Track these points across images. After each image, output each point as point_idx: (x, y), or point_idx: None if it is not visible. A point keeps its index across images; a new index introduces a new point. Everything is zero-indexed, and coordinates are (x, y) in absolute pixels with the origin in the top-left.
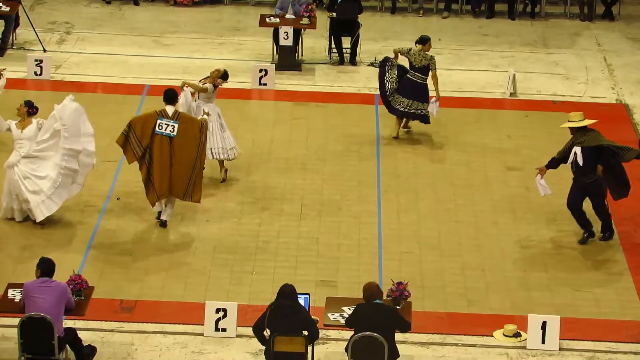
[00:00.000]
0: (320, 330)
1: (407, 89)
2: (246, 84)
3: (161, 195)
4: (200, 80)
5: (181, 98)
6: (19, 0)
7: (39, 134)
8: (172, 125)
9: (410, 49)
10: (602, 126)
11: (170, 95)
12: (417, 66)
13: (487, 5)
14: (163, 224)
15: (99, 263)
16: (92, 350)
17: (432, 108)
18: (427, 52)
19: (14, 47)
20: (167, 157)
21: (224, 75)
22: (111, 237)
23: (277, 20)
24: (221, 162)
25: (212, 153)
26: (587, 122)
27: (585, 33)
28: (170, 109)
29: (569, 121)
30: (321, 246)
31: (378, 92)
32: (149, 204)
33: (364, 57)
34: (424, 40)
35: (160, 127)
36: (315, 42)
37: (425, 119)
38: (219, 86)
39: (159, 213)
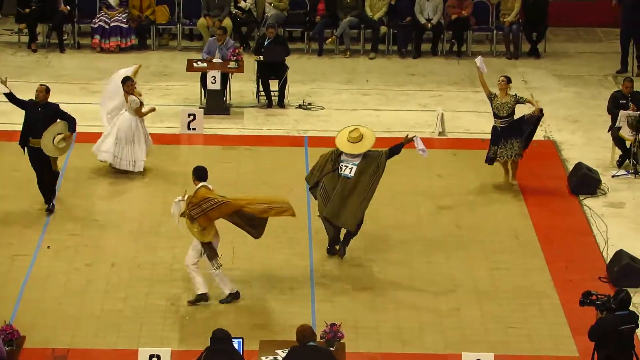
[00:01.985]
0: None
1: None
2: (175, 128)
3: None
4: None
5: None
6: None
7: None
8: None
9: None
10: (532, 163)
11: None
12: None
13: (414, 45)
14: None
15: (30, 312)
16: None
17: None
18: None
19: None
20: None
21: None
22: (42, 286)
23: (205, 64)
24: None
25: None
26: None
27: (511, 71)
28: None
29: (349, 141)
30: (254, 289)
31: (307, 134)
32: (79, 251)
33: (292, 100)
34: None
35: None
36: (243, 86)
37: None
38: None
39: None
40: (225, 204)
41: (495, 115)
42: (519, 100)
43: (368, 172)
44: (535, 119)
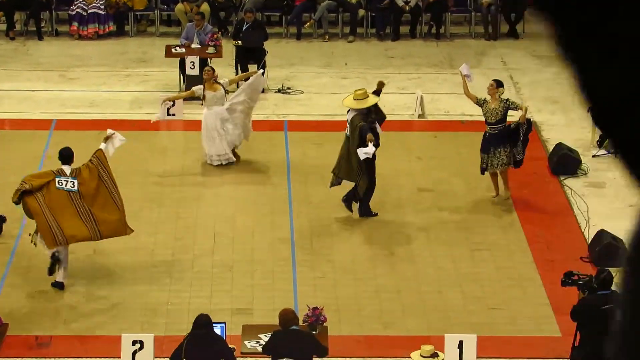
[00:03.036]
0: (237, 359)
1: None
2: (154, 115)
3: (72, 238)
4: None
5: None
6: None
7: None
8: (71, 182)
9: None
10: None
11: (66, 155)
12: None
13: (392, 27)
14: (59, 286)
15: (12, 299)
16: None
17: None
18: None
19: None
20: (74, 207)
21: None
22: (24, 274)
23: (183, 50)
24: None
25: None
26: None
27: (490, 52)
28: (67, 169)
29: (354, 99)
30: (235, 274)
31: (286, 119)
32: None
33: (271, 84)
34: None
35: (60, 184)
36: (222, 71)
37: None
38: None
39: (53, 265)
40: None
41: (485, 121)
42: (510, 107)
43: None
44: (522, 127)
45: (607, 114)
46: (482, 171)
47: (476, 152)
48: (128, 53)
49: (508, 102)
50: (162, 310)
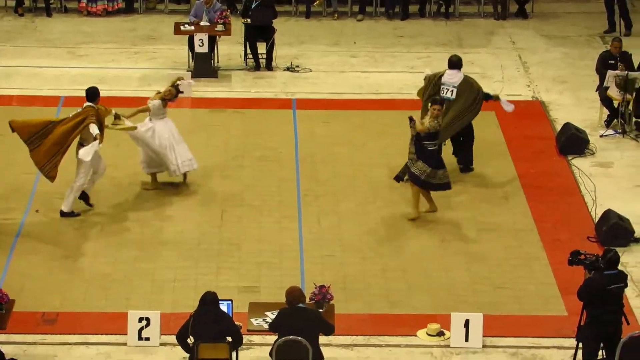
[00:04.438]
0: (244, 336)
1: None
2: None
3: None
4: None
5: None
6: None
7: None
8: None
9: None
10: (519, 122)
11: (92, 92)
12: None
13: (402, 6)
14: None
15: (19, 276)
16: None
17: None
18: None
19: None
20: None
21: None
22: (31, 250)
23: (192, 27)
24: (154, 175)
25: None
26: None
27: (499, 32)
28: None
29: None
30: (242, 252)
31: (295, 97)
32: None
33: (280, 62)
34: None
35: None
36: (230, 49)
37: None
38: (170, 101)
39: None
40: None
41: (422, 136)
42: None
43: (468, 98)
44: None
45: None
46: (397, 179)
47: (487, 130)
48: (137, 30)
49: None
50: (169, 287)
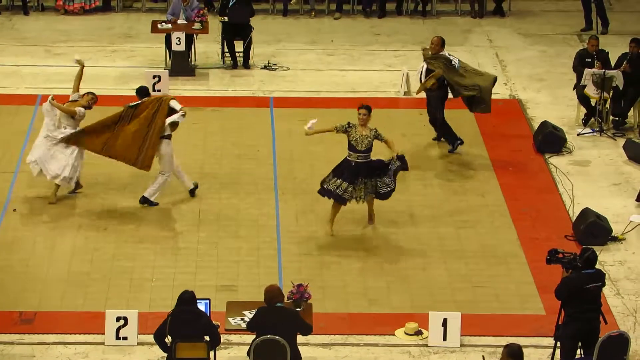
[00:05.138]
0: (221, 335)
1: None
2: None
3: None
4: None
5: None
6: None
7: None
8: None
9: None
10: (497, 121)
11: (141, 90)
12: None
13: (379, 4)
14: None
15: None
16: None
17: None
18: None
19: None
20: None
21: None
22: (8, 249)
23: (169, 26)
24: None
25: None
26: None
27: (476, 30)
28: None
29: None
30: (220, 251)
31: (272, 95)
32: (45, 214)
33: (257, 61)
34: None
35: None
36: (208, 47)
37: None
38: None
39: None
40: None
41: (352, 149)
42: (377, 137)
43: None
44: (393, 164)
45: None
46: (344, 202)
47: (464, 130)
48: (114, 28)
49: (376, 132)
50: (147, 287)
